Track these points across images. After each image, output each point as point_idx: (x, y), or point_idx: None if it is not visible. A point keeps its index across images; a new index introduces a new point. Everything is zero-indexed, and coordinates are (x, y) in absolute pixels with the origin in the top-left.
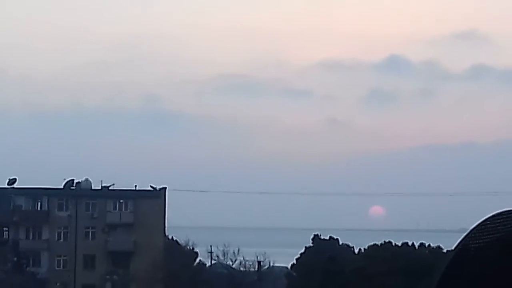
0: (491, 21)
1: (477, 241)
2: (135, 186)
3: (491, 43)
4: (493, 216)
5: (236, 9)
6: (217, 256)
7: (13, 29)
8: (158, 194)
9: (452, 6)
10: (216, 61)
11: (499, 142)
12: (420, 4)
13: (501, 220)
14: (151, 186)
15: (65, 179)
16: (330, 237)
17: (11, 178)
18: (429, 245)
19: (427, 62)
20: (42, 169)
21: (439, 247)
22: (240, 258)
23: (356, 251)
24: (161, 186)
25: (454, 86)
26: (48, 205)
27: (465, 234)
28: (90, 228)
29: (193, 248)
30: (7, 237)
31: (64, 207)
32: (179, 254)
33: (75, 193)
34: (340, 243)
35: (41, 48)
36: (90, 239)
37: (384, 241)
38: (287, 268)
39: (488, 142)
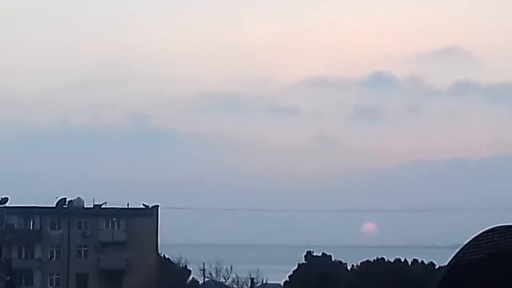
0: (471, 38)
1: (470, 257)
2: (128, 204)
3: (472, 59)
4: (485, 232)
5: (220, 27)
6: (210, 274)
7: None
8: (151, 212)
9: (433, 24)
10: (201, 79)
11: (487, 158)
12: (401, 21)
13: (493, 236)
14: (143, 204)
15: (57, 197)
16: (323, 253)
17: (3, 197)
18: (422, 261)
19: (411, 78)
20: (34, 188)
21: (431, 263)
22: (233, 275)
23: (349, 267)
24: (153, 204)
25: (439, 102)
26: (40, 223)
27: (457, 250)
28: (83, 246)
29: (186, 266)
30: None
31: (57, 225)
32: (172, 272)
33: (67, 211)
34: (333, 259)
35: (27, 67)
36: (83, 258)
37: (377, 257)
38: (280, 285)
39: (477, 158)
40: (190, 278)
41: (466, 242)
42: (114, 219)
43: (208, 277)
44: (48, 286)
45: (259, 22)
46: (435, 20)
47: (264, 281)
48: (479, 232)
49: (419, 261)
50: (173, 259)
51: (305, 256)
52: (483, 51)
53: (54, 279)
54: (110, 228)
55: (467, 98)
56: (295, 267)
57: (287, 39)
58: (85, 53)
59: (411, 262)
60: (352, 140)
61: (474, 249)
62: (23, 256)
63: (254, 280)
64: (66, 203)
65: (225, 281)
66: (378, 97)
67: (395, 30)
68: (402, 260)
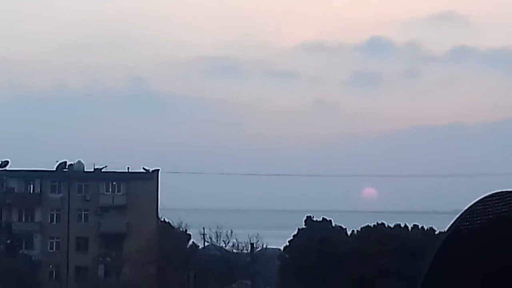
0: (468, 3)
1: (469, 223)
2: (128, 168)
3: (469, 24)
4: (485, 198)
5: None
6: (210, 238)
7: None
8: (151, 176)
9: None
10: (198, 43)
11: (487, 124)
12: None
13: (493, 202)
14: (143, 168)
15: (57, 161)
16: (323, 218)
17: (3, 160)
18: (422, 227)
19: (409, 43)
20: (34, 151)
21: (431, 228)
22: (233, 240)
23: (349, 232)
24: (153, 168)
25: (437, 68)
26: (40, 187)
27: (457, 216)
28: (83, 210)
29: (185, 230)
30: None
31: (57, 189)
32: (172, 236)
33: (67, 175)
34: (333, 224)
35: (23, 30)
36: (83, 221)
37: (377, 223)
38: (280, 250)
39: (476, 123)
40: (190, 242)
41: (466, 208)
42: (114, 183)
43: (208, 242)
44: (48, 249)
45: None
46: None
47: (264, 246)
48: (479, 198)
49: (419, 226)
50: (173, 223)
51: (305, 221)
52: (480, 16)
53: (54, 242)
54: (110, 192)
55: (465, 63)
56: (295, 232)
57: (283, 3)
58: (81, 16)
59: (411, 228)
60: (350, 104)
61: (474, 215)
62: (23, 219)
63: (254, 245)
64: (67, 166)
65: (225, 246)
66: (375, 62)
67: None
68: (402, 225)
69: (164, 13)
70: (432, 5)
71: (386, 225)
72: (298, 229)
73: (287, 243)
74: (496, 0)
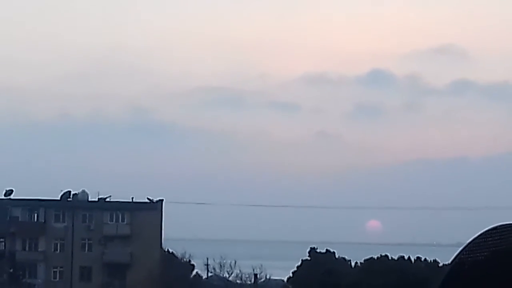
0: (466, 36)
1: (473, 256)
2: (132, 198)
3: (469, 58)
4: (488, 231)
5: (218, 23)
6: (214, 269)
7: None
8: (155, 206)
9: (427, 22)
10: (199, 74)
11: (489, 157)
12: (394, 20)
13: (496, 235)
14: (147, 198)
15: (62, 190)
16: (327, 250)
17: (7, 189)
18: (425, 259)
19: (409, 76)
20: (38, 180)
21: (435, 261)
22: (236, 270)
23: (353, 264)
24: (158, 198)
25: (438, 101)
26: (44, 216)
27: (460, 248)
28: (87, 239)
29: (189, 260)
30: (3, 248)
31: (61, 218)
32: (176, 266)
33: (71, 204)
34: (337, 256)
35: (26, 60)
36: (87, 251)
37: (381, 255)
38: (283, 281)
39: (479, 156)
40: (194, 272)
41: (470, 240)
42: (118, 212)
43: (211, 272)
44: (52, 278)
45: (257, 18)
46: (430, 19)
47: (268, 277)
48: (482, 231)
49: (423, 259)
50: (177, 253)
51: (309, 253)
52: (479, 50)
53: (58, 271)
54: (114, 221)
55: (465, 96)
56: (299, 263)
57: (284, 35)
58: (82, 46)
59: (415, 260)
60: (353, 137)
61: (478, 247)
62: (27, 248)
63: (258, 276)
64: (71, 196)
65: (229, 276)
66: (376, 94)
67: (391, 28)
68: (406, 257)
69: (164, 44)
70: (432, 38)
71: (390, 257)
72: (302, 260)
73: (291, 274)
74: (495, 34)
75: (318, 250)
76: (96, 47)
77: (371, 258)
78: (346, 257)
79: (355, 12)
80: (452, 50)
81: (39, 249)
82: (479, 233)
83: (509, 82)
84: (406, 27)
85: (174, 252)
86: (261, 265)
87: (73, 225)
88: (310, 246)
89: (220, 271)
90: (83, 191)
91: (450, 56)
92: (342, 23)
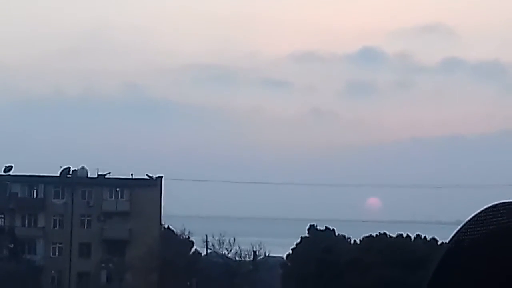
0: (453, 15)
1: (472, 234)
2: (131, 174)
3: (457, 36)
4: (487, 208)
5: None
6: (213, 246)
7: None
8: (154, 183)
9: (412, 1)
10: (188, 51)
11: (486, 134)
12: None
13: (495, 212)
14: (147, 175)
15: (61, 167)
16: (326, 227)
17: (7, 165)
18: (424, 237)
19: (400, 54)
20: (38, 157)
21: (434, 239)
22: (235, 247)
23: (352, 242)
24: (157, 175)
25: (430, 78)
26: (44, 192)
27: (459, 226)
28: (86, 216)
29: (188, 237)
30: (3, 224)
31: (60, 195)
32: (175, 243)
33: (71, 181)
34: (336, 233)
35: (16, 35)
36: (86, 227)
37: (380, 233)
38: (282, 258)
39: (475, 134)
40: (193, 249)
41: (469, 218)
42: (117, 189)
43: (210, 249)
44: (51, 254)
45: None
46: None
47: (267, 254)
48: (481, 209)
49: (422, 236)
50: (176, 230)
51: (308, 230)
52: (466, 28)
53: (57, 248)
54: (113, 198)
55: (456, 74)
56: (298, 241)
57: (273, 12)
58: (71, 23)
59: (414, 238)
60: (347, 114)
61: (477, 226)
62: (27, 224)
63: (257, 253)
64: (70, 172)
65: (228, 253)
66: (368, 72)
67: (377, 5)
68: (405, 235)
69: (154, 20)
70: (418, 16)
71: (389, 235)
72: (301, 237)
73: (290, 252)
74: (481, 12)
75: (317, 228)
76: (86, 24)
77: (370, 235)
78: (346, 235)
79: None
80: (439, 28)
81: (38, 225)
82: (478, 211)
83: (499, 60)
84: (392, 5)
85: (173, 229)
86: (260, 242)
87: (72, 202)
88: (310, 223)
89: (219, 248)
90: (83, 168)
91: (438, 34)
92: (331, 0)
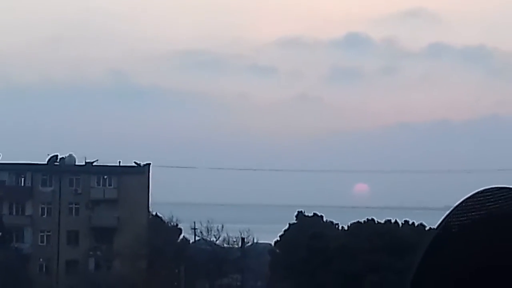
0: (435, 0)
1: (460, 219)
2: (119, 162)
3: (440, 21)
4: (476, 194)
5: None
6: (201, 233)
7: None
8: (142, 170)
9: None
10: (173, 37)
11: (470, 120)
12: None
13: (484, 198)
14: (135, 162)
15: (48, 154)
16: (314, 214)
17: None
18: (412, 222)
19: (385, 39)
20: (25, 144)
21: (422, 224)
22: (223, 234)
23: (340, 228)
24: (145, 162)
25: (416, 64)
26: (31, 180)
27: (448, 212)
28: (74, 204)
29: (177, 225)
30: None
31: (48, 182)
32: (163, 230)
33: (58, 168)
34: (324, 220)
35: (1, 23)
36: (74, 215)
37: (367, 219)
38: (270, 244)
39: (462, 119)
40: (181, 236)
41: (457, 204)
42: (105, 176)
43: (199, 236)
44: (39, 243)
45: None
46: None
47: (255, 241)
48: (469, 194)
49: (410, 222)
50: (164, 217)
51: (296, 216)
52: (449, 13)
53: (45, 236)
54: (101, 185)
55: (442, 60)
56: (286, 227)
57: None
58: (55, 10)
59: (402, 224)
60: (334, 100)
61: (464, 212)
62: (14, 212)
63: (245, 240)
64: (58, 160)
65: (216, 240)
66: (354, 58)
67: None
68: (393, 221)
69: (140, 7)
70: (400, 1)
71: (377, 221)
72: (289, 224)
73: (278, 238)
74: None
75: (305, 214)
76: (72, 11)
77: (358, 222)
78: (334, 221)
79: None
80: (421, 13)
81: (26, 213)
82: (467, 196)
83: (484, 45)
84: None
85: (161, 216)
86: (248, 229)
87: (60, 189)
88: (298, 209)
89: (207, 235)
90: (70, 155)
91: (421, 19)
92: None
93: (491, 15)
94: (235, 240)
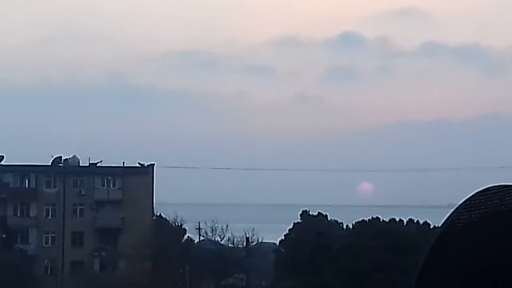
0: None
1: (464, 217)
2: (123, 163)
3: (432, 20)
4: (480, 192)
5: None
6: (206, 233)
7: None
8: (146, 171)
9: None
10: (168, 38)
11: (470, 118)
12: None
13: (488, 196)
14: (138, 163)
15: (52, 156)
16: (319, 213)
17: None
18: (417, 221)
19: (379, 38)
20: (29, 146)
21: (426, 223)
22: (228, 234)
23: (345, 227)
24: (149, 163)
25: (410, 62)
26: (36, 182)
27: (452, 210)
28: (78, 205)
29: (181, 225)
30: None
31: (52, 184)
32: (167, 231)
33: (63, 170)
34: (329, 219)
35: None
36: (78, 216)
37: (372, 217)
38: (275, 244)
39: (462, 118)
40: (186, 237)
41: (461, 202)
42: (109, 177)
43: (203, 236)
44: (44, 244)
45: None
46: None
47: (260, 240)
48: (474, 192)
49: (414, 220)
50: (169, 217)
51: (301, 215)
52: (441, 12)
53: (50, 237)
54: (105, 186)
55: (437, 58)
56: (291, 226)
57: None
58: (51, 11)
59: (406, 222)
60: (333, 99)
61: (469, 210)
62: (19, 214)
63: (250, 239)
64: (62, 161)
65: (221, 240)
66: (349, 57)
67: None
68: (397, 219)
69: (135, 8)
70: (392, 0)
71: (381, 219)
72: (294, 223)
73: (283, 237)
74: None
75: (310, 213)
76: (63, 12)
77: (363, 220)
78: (338, 220)
79: None
80: (413, 12)
81: (30, 215)
82: (471, 194)
83: (478, 43)
84: None
85: (165, 216)
86: (253, 229)
87: (64, 191)
88: (302, 209)
89: (212, 235)
90: (74, 157)
91: (413, 18)
92: None
93: (483, 14)
94: (239, 239)
